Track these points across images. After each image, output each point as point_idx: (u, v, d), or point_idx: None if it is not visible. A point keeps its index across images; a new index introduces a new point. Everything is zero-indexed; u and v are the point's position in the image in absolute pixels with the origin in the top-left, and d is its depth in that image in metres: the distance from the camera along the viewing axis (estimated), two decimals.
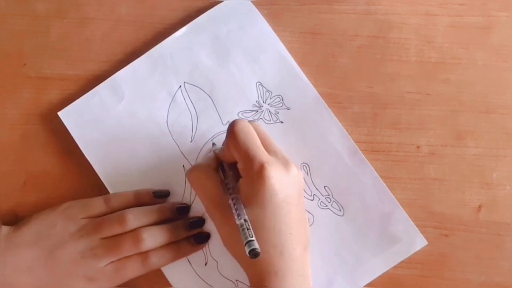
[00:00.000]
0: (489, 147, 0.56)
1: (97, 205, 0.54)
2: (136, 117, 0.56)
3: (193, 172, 0.52)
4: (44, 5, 0.58)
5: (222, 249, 0.54)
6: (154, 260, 0.52)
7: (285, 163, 0.49)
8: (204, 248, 0.55)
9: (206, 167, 0.52)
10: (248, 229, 0.45)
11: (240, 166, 0.49)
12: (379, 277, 0.54)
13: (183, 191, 0.55)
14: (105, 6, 0.58)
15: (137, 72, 0.57)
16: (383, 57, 0.57)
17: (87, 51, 0.58)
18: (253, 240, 0.44)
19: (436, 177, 0.55)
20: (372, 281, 0.54)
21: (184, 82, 0.57)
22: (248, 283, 0.54)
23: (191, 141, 0.56)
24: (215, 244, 0.55)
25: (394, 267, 0.54)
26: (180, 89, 0.57)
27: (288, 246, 0.47)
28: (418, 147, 0.56)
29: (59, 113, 0.56)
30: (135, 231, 0.52)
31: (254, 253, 0.44)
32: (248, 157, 0.48)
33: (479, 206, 0.55)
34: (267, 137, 0.51)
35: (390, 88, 0.57)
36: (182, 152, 0.56)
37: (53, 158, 0.56)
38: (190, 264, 0.55)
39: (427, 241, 0.54)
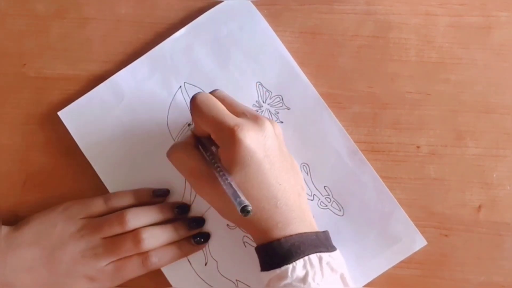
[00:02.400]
0: (489, 147, 0.56)
1: (97, 205, 0.54)
2: (136, 117, 0.56)
3: (173, 152, 0.52)
4: (44, 5, 0.58)
5: (222, 249, 0.54)
6: (154, 260, 0.52)
7: (256, 120, 0.49)
8: (204, 248, 0.55)
9: (184, 144, 0.52)
10: (235, 190, 0.45)
11: (213, 136, 0.49)
12: (379, 277, 0.54)
13: (183, 191, 0.55)
14: (105, 6, 0.58)
15: (137, 72, 0.57)
16: (383, 57, 0.57)
17: (87, 51, 0.58)
18: (241, 198, 0.44)
19: (436, 177, 0.56)
20: (372, 281, 0.54)
21: (184, 82, 0.57)
22: (249, 283, 0.54)
23: None
24: (215, 244, 0.55)
25: (394, 267, 0.54)
26: (180, 89, 0.57)
27: (281, 196, 0.48)
28: (418, 147, 0.56)
29: (59, 113, 0.56)
30: (135, 231, 0.52)
31: (246, 210, 0.44)
32: (217, 125, 0.48)
33: (479, 206, 0.55)
34: (232, 101, 0.52)
35: (390, 88, 0.57)
36: None
37: (53, 158, 0.56)
38: (190, 264, 0.55)
39: (427, 241, 0.54)
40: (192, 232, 0.54)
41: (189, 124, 0.56)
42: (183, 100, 0.56)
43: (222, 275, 0.54)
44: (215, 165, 0.49)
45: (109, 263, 0.52)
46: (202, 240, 0.54)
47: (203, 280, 0.54)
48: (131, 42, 0.58)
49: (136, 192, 0.55)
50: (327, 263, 0.47)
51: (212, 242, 0.55)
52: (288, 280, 0.45)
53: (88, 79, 0.57)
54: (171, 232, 0.53)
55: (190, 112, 0.50)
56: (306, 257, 0.46)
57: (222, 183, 0.47)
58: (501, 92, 0.57)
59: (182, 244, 0.54)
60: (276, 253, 0.47)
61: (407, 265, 0.54)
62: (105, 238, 0.52)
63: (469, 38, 0.57)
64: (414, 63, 0.57)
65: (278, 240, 0.47)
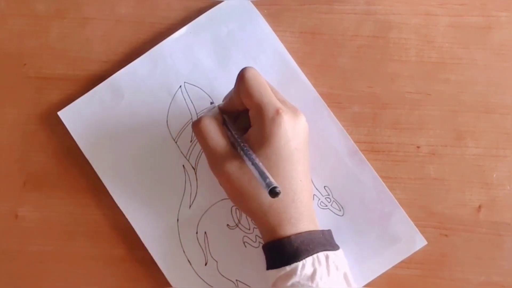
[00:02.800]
0: (489, 147, 0.56)
1: None
2: (136, 117, 0.56)
3: (200, 123, 0.50)
4: (44, 5, 0.58)
5: (222, 249, 0.54)
6: None
7: (295, 112, 0.49)
8: (204, 248, 0.55)
9: (213, 118, 0.50)
10: (263, 171, 0.44)
11: (252, 113, 0.48)
12: (379, 277, 0.54)
13: (183, 191, 0.55)
14: (105, 6, 0.58)
15: (137, 72, 0.57)
16: (383, 57, 0.57)
17: (87, 51, 0.58)
18: (270, 179, 0.43)
19: (436, 177, 0.55)
20: (372, 280, 0.54)
21: (184, 82, 0.57)
22: (249, 283, 0.54)
23: (191, 141, 0.56)
24: (215, 244, 0.55)
25: (394, 267, 0.54)
26: (180, 89, 0.57)
27: (299, 193, 0.48)
28: (418, 147, 0.56)
29: (59, 113, 0.56)
30: None
31: (274, 192, 0.42)
32: (262, 103, 0.47)
33: (479, 206, 0.55)
34: (273, 87, 0.51)
35: (390, 88, 0.57)
36: (182, 152, 0.56)
37: (53, 158, 0.56)
38: (190, 264, 0.55)
39: (427, 241, 0.54)
40: None
41: (212, 103, 0.56)
42: (183, 100, 0.56)
43: (222, 275, 0.54)
44: (242, 144, 0.48)
45: None
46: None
47: (203, 280, 0.54)
48: (131, 42, 0.58)
49: None
50: (333, 262, 0.47)
51: (212, 242, 0.55)
52: (296, 278, 0.45)
53: (88, 79, 0.57)
54: None
55: (235, 85, 0.49)
56: (315, 255, 0.46)
57: (249, 162, 0.46)
58: (501, 92, 0.57)
59: None
60: (286, 250, 0.46)
61: (407, 265, 0.54)
62: None
63: (469, 38, 0.57)
64: (414, 63, 0.57)
65: (288, 237, 0.47)
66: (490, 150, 0.56)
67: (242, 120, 0.51)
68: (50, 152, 0.57)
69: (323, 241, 0.48)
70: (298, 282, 0.45)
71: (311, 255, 0.46)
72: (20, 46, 0.58)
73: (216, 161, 0.49)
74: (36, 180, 0.56)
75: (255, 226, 0.54)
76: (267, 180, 0.43)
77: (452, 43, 0.57)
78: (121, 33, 0.58)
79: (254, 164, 0.45)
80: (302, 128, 0.49)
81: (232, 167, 0.48)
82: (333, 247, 0.48)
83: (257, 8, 0.57)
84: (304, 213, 0.48)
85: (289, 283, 0.45)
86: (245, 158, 0.47)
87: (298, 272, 0.45)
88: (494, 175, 0.55)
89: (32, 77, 0.58)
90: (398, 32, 0.57)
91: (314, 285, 0.45)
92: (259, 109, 0.48)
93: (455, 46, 0.57)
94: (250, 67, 0.49)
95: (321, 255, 0.46)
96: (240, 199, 0.49)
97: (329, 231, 0.50)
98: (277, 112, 0.47)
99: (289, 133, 0.47)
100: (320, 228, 0.50)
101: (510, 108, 0.56)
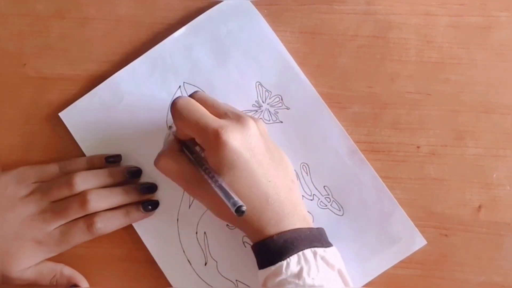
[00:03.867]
0: (489, 147, 0.56)
1: (51, 170, 0.54)
2: (136, 117, 0.56)
3: (159, 160, 0.51)
4: (44, 5, 0.58)
5: (222, 249, 0.54)
6: (99, 225, 0.52)
7: (239, 120, 0.49)
8: (204, 248, 0.55)
9: (170, 151, 0.52)
10: (227, 191, 0.45)
11: (197, 140, 0.49)
12: (379, 276, 0.54)
13: (183, 191, 0.55)
14: (105, 6, 0.58)
15: (137, 72, 0.57)
16: (383, 57, 0.57)
17: (87, 51, 0.58)
18: (235, 199, 0.45)
19: (436, 177, 0.55)
20: (371, 280, 0.54)
21: (184, 82, 0.57)
22: (248, 283, 0.54)
23: None
24: (215, 244, 0.55)
25: (394, 267, 0.54)
26: (179, 89, 0.57)
27: (272, 193, 0.48)
28: (418, 147, 0.56)
29: (60, 114, 0.56)
30: (82, 192, 0.52)
31: (240, 211, 0.44)
32: (201, 129, 0.48)
33: (479, 206, 0.55)
34: (214, 102, 0.51)
35: (390, 88, 0.57)
36: None
37: (53, 159, 0.56)
38: (190, 264, 0.55)
39: (427, 241, 0.54)
40: (143, 197, 0.54)
41: (170, 127, 0.56)
42: None
43: (222, 275, 0.54)
44: (203, 167, 0.49)
45: (57, 227, 0.52)
46: (150, 207, 0.54)
47: (203, 280, 0.54)
48: (131, 42, 0.58)
49: (90, 158, 0.55)
50: (322, 258, 0.47)
51: (212, 242, 0.55)
52: (283, 276, 0.46)
53: (88, 79, 0.57)
54: (119, 194, 0.53)
55: (172, 117, 0.50)
56: (300, 253, 0.46)
57: (212, 185, 0.47)
58: (501, 92, 0.56)
59: (130, 210, 0.54)
60: (270, 250, 0.47)
61: (407, 265, 0.54)
62: (54, 201, 0.53)
63: (469, 38, 0.57)
64: (414, 63, 0.57)
65: (271, 237, 0.47)
66: (490, 150, 0.56)
67: None
68: (50, 152, 0.57)
69: (310, 238, 0.47)
70: (285, 279, 0.45)
71: (296, 252, 0.46)
72: (20, 46, 0.58)
73: (187, 189, 0.52)
74: None
75: None
76: (231, 200, 0.45)
77: (452, 43, 0.57)
78: (121, 33, 0.58)
79: (217, 186, 0.46)
80: (252, 132, 0.49)
81: (202, 191, 0.50)
82: (323, 244, 0.48)
83: (257, 8, 0.57)
84: (284, 211, 0.48)
85: (276, 281, 0.46)
86: (209, 181, 0.47)
87: (283, 270, 0.46)
88: (494, 175, 0.55)
89: (32, 77, 0.58)
90: (398, 32, 0.57)
91: (301, 282, 0.45)
92: (200, 136, 0.48)
93: (455, 46, 0.57)
94: (179, 97, 0.50)
95: (308, 251, 0.46)
96: (221, 214, 0.50)
97: (319, 229, 0.49)
98: (217, 134, 0.47)
99: (238, 146, 0.47)
100: (311, 223, 0.50)
101: (510, 108, 0.56)
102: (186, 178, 0.51)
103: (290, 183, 0.50)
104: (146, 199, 0.54)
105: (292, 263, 0.46)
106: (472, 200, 0.55)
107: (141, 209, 0.54)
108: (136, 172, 0.55)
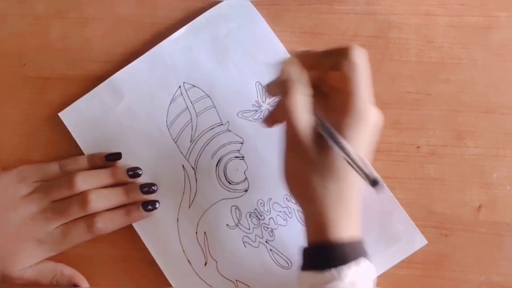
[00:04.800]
0: (489, 147, 0.56)
1: (52, 169, 0.54)
2: (136, 118, 0.56)
3: (292, 101, 0.45)
4: (44, 5, 0.58)
5: (222, 249, 0.54)
6: (99, 225, 0.52)
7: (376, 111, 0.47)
8: (204, 248, 0.55)
9: (303, 95, 0.45)
10: (362, 160, 0.42)
11: (345, 98, 0.45)
12: (379, 276, 0.54)
13: (182, 191, 0.55)
14: (105, 6, 0.58)
15: (137, 73, 0.57)
16: (383, 57, 0.57)
17: (87, 51, 0.58)
18: (370, 170, 0.42)
19: (436, 177, 0.55)
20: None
21: (184, 82, 0.57)
22: (248, 283, 0.54)
23: (190, 141, 0.56)
24: (215, 244, 0.55)
25: (394, 267, 0.54)
26: (179, 89, 0.57)
27: (361, 192, 0.46)
28: (418, 147, 0.56)
29: (59, 114, 0.56)
30: (83, 192, 0.52)
31: (377, 183, 0.42)
32: (366, 90, 0.45)
33: (479, 206, 0.55)
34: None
35: (390, 88, 0.57)
36: (181, 152, 0.56)
37: (53, 158, 0.56)
38: (190, 264, 0.55)
39: (427, 241, 0.54)
40: (143, 197, 0.54)
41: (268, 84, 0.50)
42: (183, 100, 0.56)
43: (222, 275, 0.54)
44: (336, 135, 0.44)
45: (58, 226, 0.52)
46: (151, 207, 0.54)
47: (203, 280, 0.54)
48: (131, 42, 0.58)
49: (90, 157, 0.55)
50: (369, 269, 0.45)
51: (212, 242, 0.55)
52: (339, 283, 0.43)
53: (88, 79, 0.57)
54: (120, 194, 0.53)
55: (332, 50, 0.46)
56: (358, 261, 0.44)
57: (342, 152, 0.43)
58: (501, 92, 0.57)
59: (130, 210, 0.54)
60: (334, 253, 0.44)
61: (407, 265, 0.54)
62: (55, 201, 0.53)
63: (469, 38, 0.57)
64: (414, 63, 0.57)
65: (335, 242, 0.44)
66: (490, 150, 0.56)
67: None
68: (50, 152, 0.57)
69: (365, 249, 0.46)
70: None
71: (357, 262, 0.44)
72: (20, 46, 0.58)
73: (293, 142, 0.45)
74: None
75: (255, 226, 0.54)
76: (367, 170, 0.42)
77: (452, 43, 0.57)
78: (121, 33, 0.58)
79: (348, 153, 0.43)
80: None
81: (313, 154, 0.44)
82: (368, 255, 0.46)
83: (257, 8, 0.57)
84: (357, 214, 0.46)
85: (330, 285, 0.43)
86: (336, 147, 0.43)
87: (343, 276, 0.43)
88: (494, 175, 0.55)
89: (32, 77, 0.58)
90: (398, 32, 0.57)
91: None
92: (356, 100, 0.45)
93: (455, 46, 0.57)
94: (361, 49, 0.46)
95: (363, 261, 0.45)
96: (304, 186, 0.46)
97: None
98: (375, 114, 0.45)
99: (372, 134, 0.45)
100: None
101: (510, 108, 0.56)
102: (303, 133, 0.45)
103: None
104: (146, 199, 0.54)
105: (351, 272, 0.43)
106: (472, 200, 0.55)
107: (141, 209, 0.54)
108: (137, 172, 0.55)
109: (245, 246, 0.55)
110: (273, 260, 0.54)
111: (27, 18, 0.58)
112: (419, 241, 0.54)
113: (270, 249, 0.54)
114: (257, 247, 0.54)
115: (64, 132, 0.56)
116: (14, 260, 0.52)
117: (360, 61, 0.45)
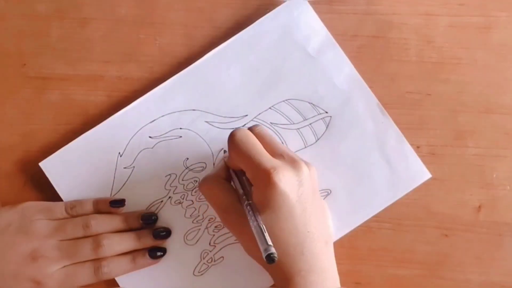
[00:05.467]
0: (489, 147, 0.56)
1: (58, 209, 0.54)
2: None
3: (204, 184, 0.51)
4: (44, 5, 0.58)
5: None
6: (106, 270, 0.52)
7: (293, 163, 0.48)
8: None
9: (216, 177, 0.51)
10: (263, 235, 0.45)
11: (248, 175, 0.49)
12: (379, 277, 0.54)
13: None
14: (105, 6, 0.58)
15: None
16: (383, 57, 0.57)
17: (87, 51, 0.58)
18: (269, 246, 0.44)
19: (436, 177, 0.55)
20: (372, 280, 0.54)
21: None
22: None
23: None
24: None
25: (394, 267, 0.54)
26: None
27: (308, 244, 0.47)
28: (418, 147, 0.56)
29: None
30: (97, 236, 0.52)
31: (271, 259, 0.44)
32: (253, 165, 0.47)
33: (479, 206, 0.55)
34: (272, 140, 0.51)
35: (390, 88, 0.57)
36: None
37: None
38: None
39: (427, 241, 0.54)
40: (155, 243, 0.54)
41: (224, 151, 0.55)
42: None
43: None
44: (246, 202, 0.48)
45: (61, 267, 0.52)
46: (158, 254, 0.54)
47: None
48: (131, 42, 0.58)
49: (95, 202, 0.54)
50: None
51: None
52: None
53: (88, 79, 0.57)
54: (132, 240, 0.53)
55: (228, 146, 0.50)
56: None
57: (250, 222, 0.46)
58: (501, 92, 0.57)
59: (136, 257, 0.53)
60: None
61: (407, 265, 0.54)
62: (62, 240, 0.52)
63: (469, 38, 0.57)
64: (414, 63, 0.57)
65: None
66: (490, 150, 0.56)
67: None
68: (50, 152, 0.56)
69: None
70: None
71: None
72: (20, 46, 0.58)
73: (224, 218, 0.51)
74: (36, 181, 0.56)
75: None
76: (264, 246, 0.44)
77: (452, 43, 0.57)
78: (121, 33, 0.58)
79: (254, 225, 0.46)
80: (304, 179, 0.48)
81: (239, 224, 0.49)
82: None
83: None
84: (316, 265, 0.47)
85: None
86: (248, 217, 0.47)
87: None
88: (494, 175, 0.55)
89: (32, 77, 0.58)
90: (398, 32, 0.57)
91: None
92: (252, 171, 0.48)
93: (455, 46, 0.57)
94: (239, 128, 0.49)
95: None
96: (250, 250, 0.50)
97: None
98: (269, 174, 0.46)
99: (287, 189, 0.47)
100: (339, 283, 0.49)
101: (510, 108, 0.56)
102: (225, 208, 0.50)
103: (327, 236, 0.49)
104: (154, 246, 0.54)
105: None
106: (472, 200, 0.55)
107: (147, 256, 0.53)
108: (150, 218, 0.54)
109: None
110: None
111: (27, 18, 0.58)
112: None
113: None
114: None
115: (64, 132, 0.56)
116: None
117: (237, 139, 0.49)
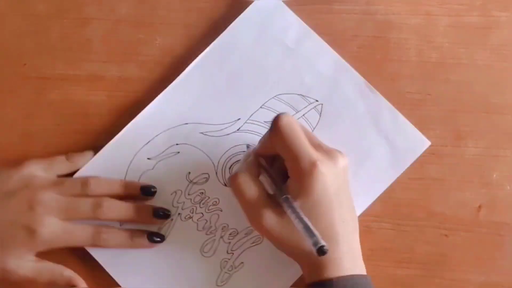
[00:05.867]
0: (489, 147, 0.56)
1: (59, 165, 0.55)
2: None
3: (237, 179, 0.49)
4: (44, 5, 0.58)
5: None
6: (104, 236, 0.52)
7: (331, 156, 0.48)
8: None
9: (249, 173, 0.50)
10: (310, 227, 0.44)
11: (288, 164, 0.48)
12: (379, 277, 0.54)
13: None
14: (105, 6, 0.58)
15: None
16: (383, 57, 0.57)
17: (87, 51, 0.58)
18: (317, 237, 0.44)
19: (436, 177, 0.55)
20: (372, 280, 0.54)
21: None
22: None
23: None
24: None
25: (394, 267, 0.54)
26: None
27: (343, 234, 0.47)
28: None
29: None
30: (97, 197, 0.53)
31: (322, 251, 0.43)
32: (299, 155, 0.47)
33: (479, 206, 0.55)
34: (307, 131, 0.50)
35: (390, 88, 0.57)
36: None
37: None
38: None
39: (427, 241, 0.54)
40: (153, 221, 0.54)
41: (248, 146, 0.55)
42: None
43: None
44: (284, 196, 0.47)
45: (59, 221, 0.52)
46: (156, 239, 0.53)
47: None
48: (131, 42, 0.58)
49: (125, 182, 0.54)
50: None
51: None
52: None
53: (88, 79, 0.57)
54: (131, 210, 0.53)
55: (269, 131, 0.48)
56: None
57: (291, 216, 0.46)
58: (501, 92, 0.57)
59: (135, 235, 0.53)
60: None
61: (407, 265, 0.54)
62: (61, 194, 0.52)
63: (469, 38, 0.57)
64: (414, 63, 0.57)
65: (331, 280, 0.46)
66: (490, 150, 0.56)
67: (280, 162, 0.50)
68: (50, 152, 0.56)
69: (366, 287, 0.47)
70: None
71: None
72: (20, 46, 0.58)
73: (254, 216, 0.49)
74: None
75: None
76: (314, 238, 0.44)
77: (452, 43, 0.57)
78: (121, 33, 0.58)
79: (299, 218, 0.45)
80: (340, 170, 0.48)
81: (271, 220, 0.48)
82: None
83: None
84: (348, 255, 0.47)
85: None
86: (289, 211, 0.46)
87: None
88: (494, 175, 0.55)
89: (32, 77, 0.58)
90: (398, 32, 0.57)
91: None
92: (295, 162, 0.47)
93: (455, 46, 0.57)
94: (284, 114, 0.48)
95: None
96: (283, 247, 0.49)
97: (369, 277, 0.48)
98: (314, 166, 0.46)
99: (328, 182, 0.47)
100: (365, 271, 0.49)
101: (510, 108, 0.56)
102: (258, 204, 0.49)
103: (356, 225, 0.50)
104: (156, 223, 0.54)
105: None
106: (472, 200, 0.55)
107: (145, 237, 0.53)
108: (149, 190, 0.54)
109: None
110: None
111: (27, 18, 0.58)
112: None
113: None
114: None
115: (64, 132, 0.56)
116: (8, 249, 0.51)
117: (284, 125, 0.47)
